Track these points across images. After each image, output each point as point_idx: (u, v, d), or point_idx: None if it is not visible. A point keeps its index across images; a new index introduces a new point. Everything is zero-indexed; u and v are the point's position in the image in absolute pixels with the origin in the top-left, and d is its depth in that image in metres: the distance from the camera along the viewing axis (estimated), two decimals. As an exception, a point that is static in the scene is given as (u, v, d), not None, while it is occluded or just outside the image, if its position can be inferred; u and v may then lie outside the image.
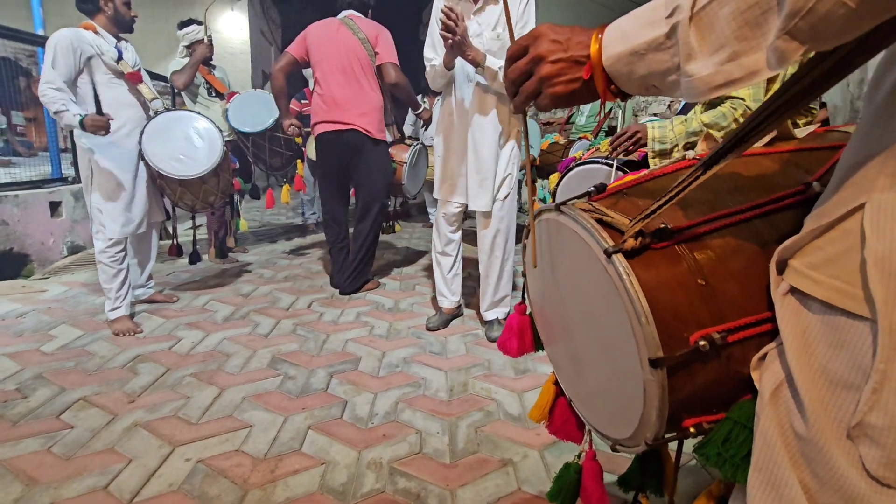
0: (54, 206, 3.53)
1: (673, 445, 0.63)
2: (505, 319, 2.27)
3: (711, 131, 1.54)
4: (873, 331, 0.39)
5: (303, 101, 4.76)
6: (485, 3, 1.97)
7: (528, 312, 0.87)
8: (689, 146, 1.61)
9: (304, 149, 3.91)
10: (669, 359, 0.50)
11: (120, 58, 2.25)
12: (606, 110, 4.03)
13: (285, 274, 3.24)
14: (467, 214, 2.35)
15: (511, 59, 0.57)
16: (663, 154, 1.64)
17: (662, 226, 0.55)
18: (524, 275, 0.83)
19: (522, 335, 0.86)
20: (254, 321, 2.39)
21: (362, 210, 2.77)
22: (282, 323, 2.37)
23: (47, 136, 3.72)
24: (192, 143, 2.40)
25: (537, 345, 0.87)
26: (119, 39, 2.29)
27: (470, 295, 2.72)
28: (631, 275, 0.52)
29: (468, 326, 2.38)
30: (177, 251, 2.69)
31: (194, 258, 2.89)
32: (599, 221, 0.58)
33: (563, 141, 4.06)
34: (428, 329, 2.31)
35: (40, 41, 3.52)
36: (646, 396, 0.53)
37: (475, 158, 2.08)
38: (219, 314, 2.47)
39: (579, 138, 3.84)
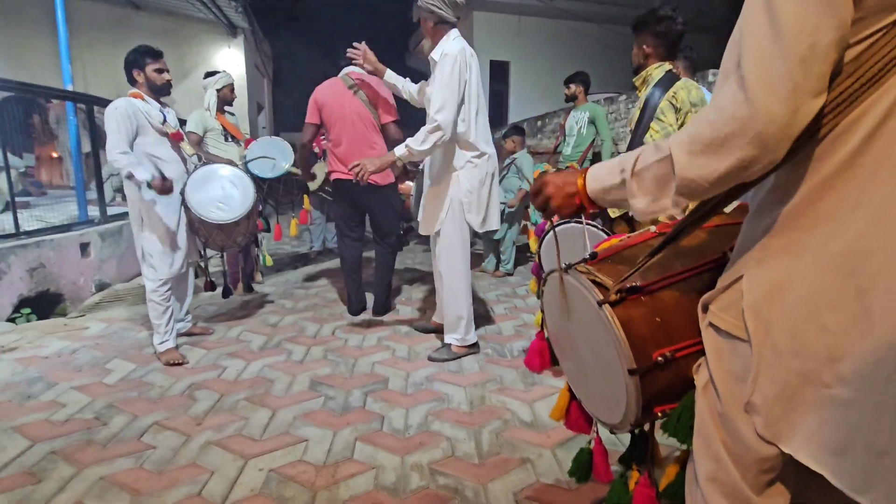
0: (84, 247, 3.78)
1: (669, 443, 0.94)
2: (459, 344, 2.48)
3: None
4: (751, 347, 0.71)
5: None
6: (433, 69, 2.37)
7: (546, 338, 1.18)
8: None
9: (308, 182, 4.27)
10: (640, 369, 0.82)
11: (164, 120, 2.55)
12: (590, 141, 4.42)
13: (305, 304, 3.52)
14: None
15: (534, 193, 0.92)
16: None
17: (633, 284, 0.87)
18: (542, 310, 1.15)
19: (542, 355, 1.17)
20: (287, 349, 2.66)
21: (380, 242, 3.12)
22: (312, 350, 2.65)
23: (74, 182, 3.98)
24: (228, 191, 2.70)
25: (553, 361, 1.18)
26: (162, 104, 2.60)
27: (481, 317, 3.02)
28: (614, 318, 0.84)
29: (480, 347, 2.67)
30: (211, 287, 2.97)
31: (226, 292, 3.16)
32: (593, 281, 0.90)
33: (552, 170, 4.43)
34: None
35: (70, 97, 3.82)
36: (627, 393, 0.84)
37: (426, 193, 2.55)
38: (253, 343, 2.74)
39: (567, 167, 4.21)
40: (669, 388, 0.86)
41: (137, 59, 2.50)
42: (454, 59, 2.20)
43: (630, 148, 2.36)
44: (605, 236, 2.28)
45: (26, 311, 3.21)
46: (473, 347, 2.57)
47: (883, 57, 0.60)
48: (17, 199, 3.64)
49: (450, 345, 2.52)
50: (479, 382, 2.25)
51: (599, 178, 0.81)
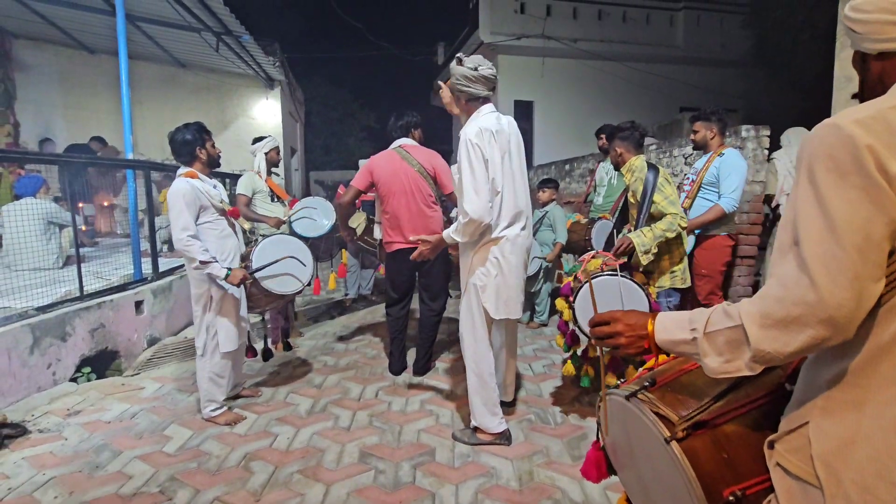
0: (138, 305, 3.99)
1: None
2: (482, 429, 2.34)
3: (667, 234, 2.57)
4: (822, 493, 0.75)
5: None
6: None
7: (602, 447, 1.22)
8: (659, 244, 2.58)
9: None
10: (712, 509, 0.86)
11: (221, 199, 2.71)
12: (621, 191, 4.47)
13: (346, 361, 3.61)
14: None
15: (596, 323, 0.98)
16: (647, 252, 2.57)
17: (698, 420, 0.91)
18: (599, 423, 1.19)
19: (599, 466, 1.20)
20: (333, 414, 2.74)
21: (429, 302, 3.22)
22: (358, 415, 2.72)
23: (131, 244, 4.24)
24: (291, 263, 2.83)
25: (611, 471, 1.21)
26: (211, 177, 2.71)
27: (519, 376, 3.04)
28: (683, 456, 0.88)
29: (521, 411, 2.70)
30: (252, 353, 3.06)
31: (267, 355, 3.28)
32: (657, 413, 0.95)
33: (584, 220, 4.48)
34: None
35: (131, 165, 4.13)
36: (700, 530, 0.88)
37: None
38: (301, 407, 2.83)
39: (599, 218, 4.25)
40: (740, 523, 0.89)
41: (198, 138, 2.59)
42: (467, 143, 2.14)
43: (638, 216, 2.62)
44: (639, 289, 2.35)
45: (86, 370, 3.39)
46: (502, 438, 2.34)
47: None
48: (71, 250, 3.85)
49: (476, 428, 2.37)
50: (525, 455, 2.27)
51: (669, 330, 0.87)
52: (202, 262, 2.40)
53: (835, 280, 0.67)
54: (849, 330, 0.68)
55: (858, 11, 0.77)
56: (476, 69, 2.20)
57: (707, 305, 3.39)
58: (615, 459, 1.18)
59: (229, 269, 2.45)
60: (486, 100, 2.29)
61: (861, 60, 0.81)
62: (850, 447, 0.73)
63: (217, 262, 2.45)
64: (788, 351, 0.71)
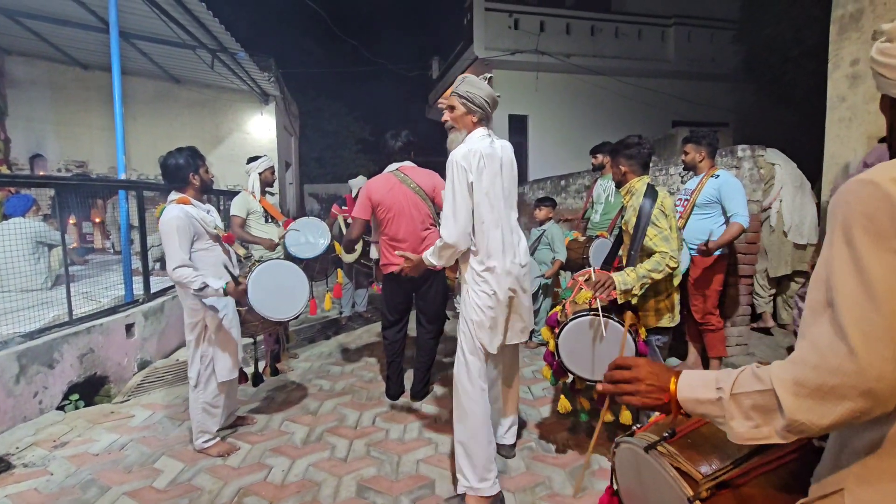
0: (129, 328, 3.90)
1: None
2: (472, 493, 2.05)
3: (652, 274, 2.25)
4: None
5: (343, 208, 5.26)
6: None
7: (615, 492, 1.17)
8: (644, 285, 2.28)
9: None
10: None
11: (215, 225, 2.64)
12: (618, 209, 4.46)
13: (342, 385, 3.53)
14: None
15: (616, 366, 0.92)
16: (627, 292, 2.26)
17: (721, 480, 0.87)
18: (613, 468, 1.14)
19: (614, 514, 1.15)
20: (330, 443, 2.66)
21: (427, 325, 3.16)
22: (355, 444, 2.64)
23: (123, 265, 4.16)
24: (286, 289, 2.75)
25: (625, 518, 1.16)
26: (203, 202, 2.64)
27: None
28: (707, 519, 0.83)
29: (522, 438, 2.63)
30: (244, 378, 2.97)
31: (257, 380, 3.18)
32: (678, 469, 0.90)
33: (582, 238, 4.45)
34: None
35: (124, 186, 4.08)
36: None
37: None
38: (296, 436, 2.75)
39: (596, 236, 4.23)
40: (766, 589, 0.84)
41: (191, 163, 2.52)
42: (454, 164, 2.05)
43: (631, 249, 2.38)
44: (622, 328, 2.18)
45: (74, 397, 3.29)
46: (495, 502, 2.06)
47: None
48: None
49: (463, 495, 2.07)
50: (527, 486, 2.21)
51: (693, 387, 0.83)
52: (197, 291, 2.33)
53: (875, 350, 0.63)
54: (890, 403, 0.64)
55: (889, 56, 0.74)
56: (497, 96, 2.20)
57: (704, 324, 3.36)
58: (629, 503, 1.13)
59: (226, 283, 2.38)
60: (483, 124, 2.19)
61: (890, 105, 0.78)
62: None
63: (210, 285, 2.37)
64: (825, 423, 0.67)
